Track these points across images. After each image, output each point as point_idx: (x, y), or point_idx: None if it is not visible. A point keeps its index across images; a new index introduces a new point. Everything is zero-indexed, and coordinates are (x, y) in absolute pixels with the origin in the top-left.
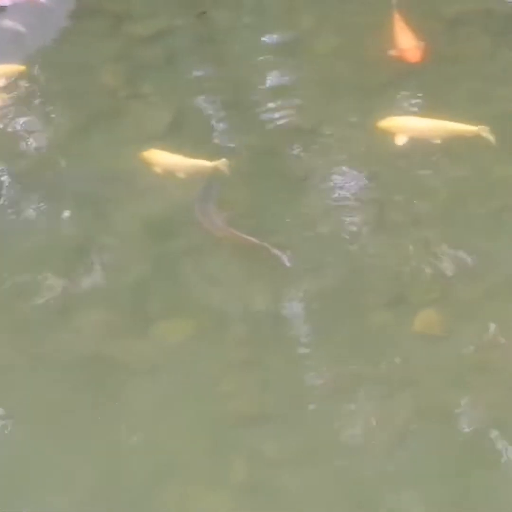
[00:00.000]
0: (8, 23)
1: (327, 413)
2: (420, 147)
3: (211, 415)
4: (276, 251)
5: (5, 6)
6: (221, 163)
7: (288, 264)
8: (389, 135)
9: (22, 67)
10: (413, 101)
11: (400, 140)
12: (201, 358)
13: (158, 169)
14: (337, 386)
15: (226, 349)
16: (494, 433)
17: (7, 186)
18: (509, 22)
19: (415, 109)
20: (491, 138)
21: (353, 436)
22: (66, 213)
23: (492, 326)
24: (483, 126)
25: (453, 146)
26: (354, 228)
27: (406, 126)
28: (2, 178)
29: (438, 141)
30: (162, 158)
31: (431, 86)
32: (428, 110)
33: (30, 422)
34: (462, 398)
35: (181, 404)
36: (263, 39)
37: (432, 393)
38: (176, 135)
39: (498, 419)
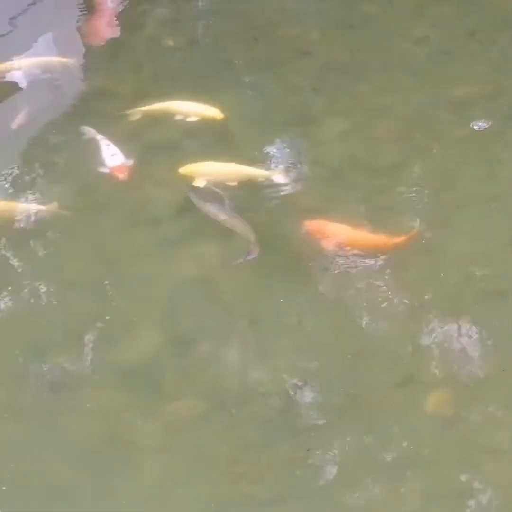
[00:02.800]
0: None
1: (338, 494)
2: None
3: (221, 496)
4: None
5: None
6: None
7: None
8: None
9: None
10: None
11: (200, 183)
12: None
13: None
14: (347, 468)
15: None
16: None
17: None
18: None
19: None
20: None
21: None
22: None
23: (503, 406)
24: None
25: None
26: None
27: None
28: None
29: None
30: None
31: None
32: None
33: (36, 499)
34: (473, 481)
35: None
36: None
37: (443, 475)
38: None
39: (509, 501)
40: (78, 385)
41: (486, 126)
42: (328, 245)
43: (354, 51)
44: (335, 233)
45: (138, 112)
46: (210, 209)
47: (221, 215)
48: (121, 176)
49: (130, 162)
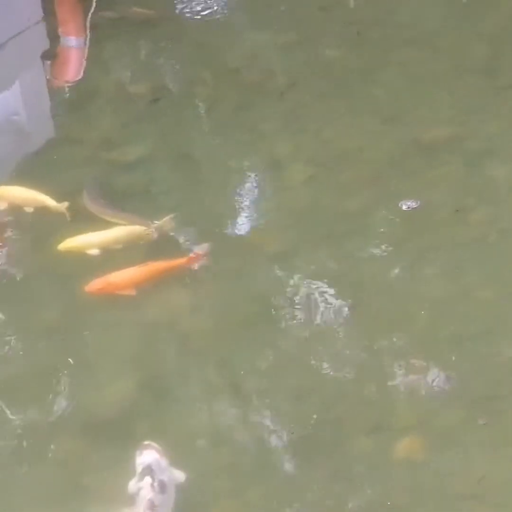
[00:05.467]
0: None
1: None
2: None
3: None
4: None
5: None
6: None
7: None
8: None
9: None
10: None
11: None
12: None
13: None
14: None
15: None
16: None
17: None
18: None
19: None
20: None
21: None
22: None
23: (475, 452)
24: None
25: None
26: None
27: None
28: None
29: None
30: None
31: None
32: None
33: None
34: None
35: None
36: None
37: None
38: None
39: None
40: (44, 434)
41: (415, 206)
42: (120, 292)
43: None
44: (121, 279)
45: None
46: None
47: (111, 212)
48: None
49: None
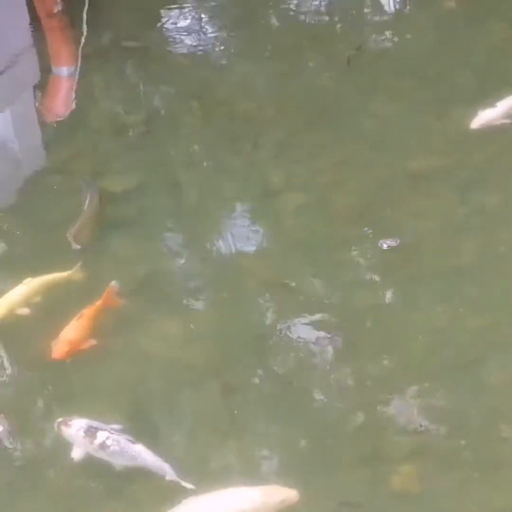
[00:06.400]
0: None
1: None
2: None
3: None
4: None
5: None
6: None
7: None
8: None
9: None
10: None
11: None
12: None
13: None
14: None
15: None
16: None
17: None
18: None
19: None
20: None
21: None
22: None
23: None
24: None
25: None
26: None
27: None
28: None
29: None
30: None
31: None
32: None
33: None
34: None
35: None
36: None
37: None
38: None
39: None
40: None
41: (394, 245)
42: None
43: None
44: (77, 333)
45: None
46: None
47: None
48: None
49: None
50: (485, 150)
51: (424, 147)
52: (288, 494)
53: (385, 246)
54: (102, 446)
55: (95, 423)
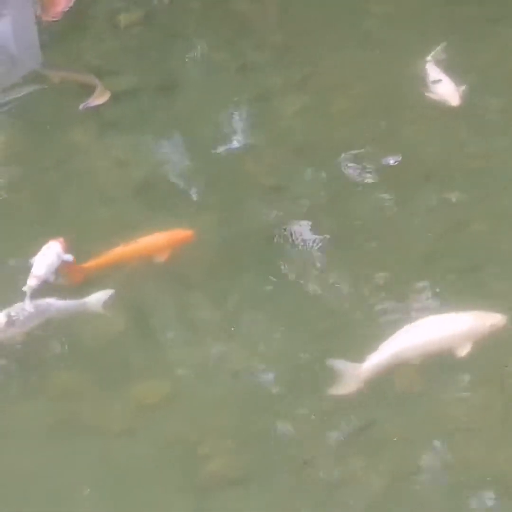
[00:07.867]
0: None
1: None
2: None
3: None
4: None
5: None
6: None
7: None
8: None
9: None
10: None
11: None
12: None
13: None
14: None
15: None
16: None
17: None
18: None
19: None
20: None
21: None
22: None
23: None
24: None
25: None
26: None
27: None
28: None
29: None
30: None
31: None
32: None
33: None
34: None
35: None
36: None
37: None
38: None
39: None
40: None
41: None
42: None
43: None
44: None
45: None
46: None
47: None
48: None
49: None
50: None
51: None
52: (497, 318)
53: (392, 162)
54: (9, 324)
55: None
